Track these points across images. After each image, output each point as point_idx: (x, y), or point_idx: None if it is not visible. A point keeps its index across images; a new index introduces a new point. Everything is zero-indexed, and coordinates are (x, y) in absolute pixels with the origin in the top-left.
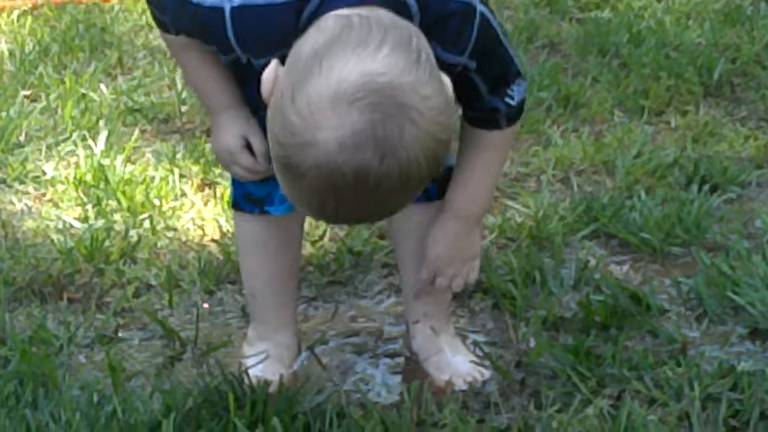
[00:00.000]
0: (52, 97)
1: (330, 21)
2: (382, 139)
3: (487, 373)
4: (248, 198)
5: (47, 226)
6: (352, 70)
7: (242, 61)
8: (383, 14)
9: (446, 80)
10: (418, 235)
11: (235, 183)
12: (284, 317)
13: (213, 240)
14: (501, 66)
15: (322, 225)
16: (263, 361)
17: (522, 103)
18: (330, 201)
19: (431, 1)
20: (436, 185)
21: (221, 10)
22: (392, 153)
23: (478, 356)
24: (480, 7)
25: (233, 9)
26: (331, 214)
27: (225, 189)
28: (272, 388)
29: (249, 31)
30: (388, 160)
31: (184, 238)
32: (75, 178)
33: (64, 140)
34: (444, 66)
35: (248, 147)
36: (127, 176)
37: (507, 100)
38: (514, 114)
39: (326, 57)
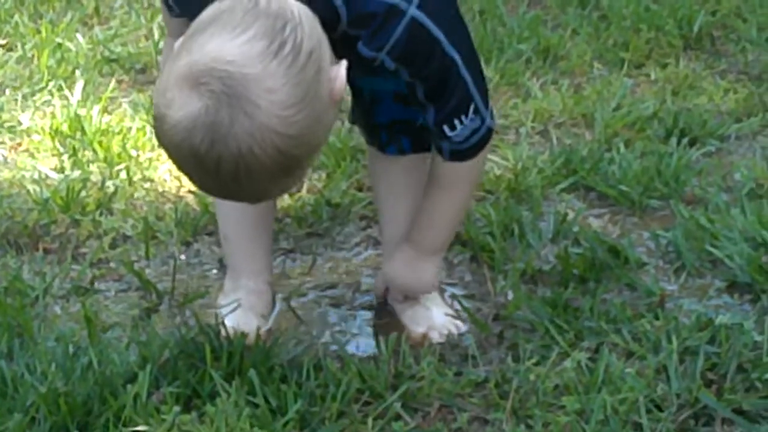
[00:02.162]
0: (27, 46)
1: None
2: (212, 126)
3: (464, 326)
4: None
5: (23, 176)
6: (207, 53)
7: None
8: (279, 2)
9: (335, 74)
10: (396, 186)
11: None
12: (257, 263)
13: (190, 191)
14: (442, 79)
15: None
16: (236, 309)
17: (473, 144)
18: (190, 174)
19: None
20: (410, 138)
21: None
22: (221, 141)
23: (455, 309)
24: (413, 11)
25: None
26: (200, 186)
27: None
28: (249, 340)
29: None
30: (218, 148)
31: (160, 189)
32: (51, 128)
33: (40, 90)
34: (364, 60)
35: None
36: (103, 127)
37: (445, 127)
38: (458, 152)
39: (197, 33)
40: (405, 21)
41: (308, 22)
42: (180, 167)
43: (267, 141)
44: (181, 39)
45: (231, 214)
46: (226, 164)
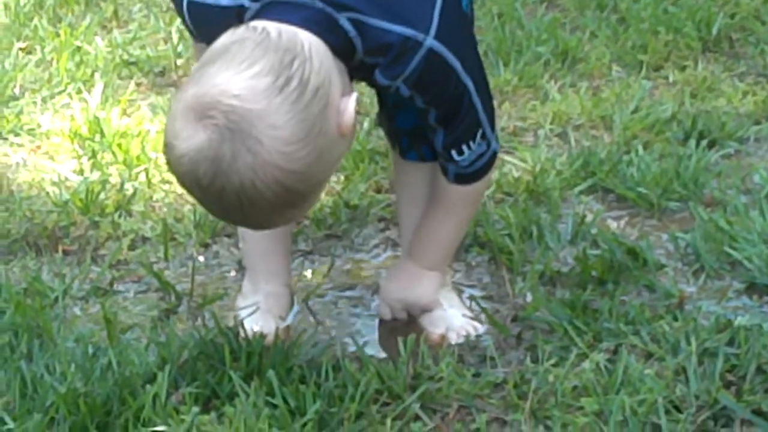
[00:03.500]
0: (47, 49)
1: (241, 29)
2: (215, 159)
3: (481, 328)
4: None
5: (42, 178)
6: (214, 86)
7: None
8: (290, 35)
9: (344, 107)
10: (416, 192)
11: None
12: (276, 266)
13: None
14: (455, 105)
15: None
16: (255, 312)
17: (478, 168)
18: (198, 198)
19: (370, 30)
20: (430, 147)
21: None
22: (223, 175)
23: (473, 311)
24: (430, 42)
25: (188, 2)
26: (208, 211)
27: None
28: (268, 341)
29: (200, 23)
30: (220, 181)
31: (179, 191)
32: (70, 130)
33: (59, 93)
34: (380, 86)
35: None
36: (122, 129)
37: (452, 152)
38: (463, 176)
39: (208, 65)
40: (422, 52)
41: (318, 55)
42: (188, 193)
43: (269, 176)
44: (194, 67)
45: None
46: (229, 196)
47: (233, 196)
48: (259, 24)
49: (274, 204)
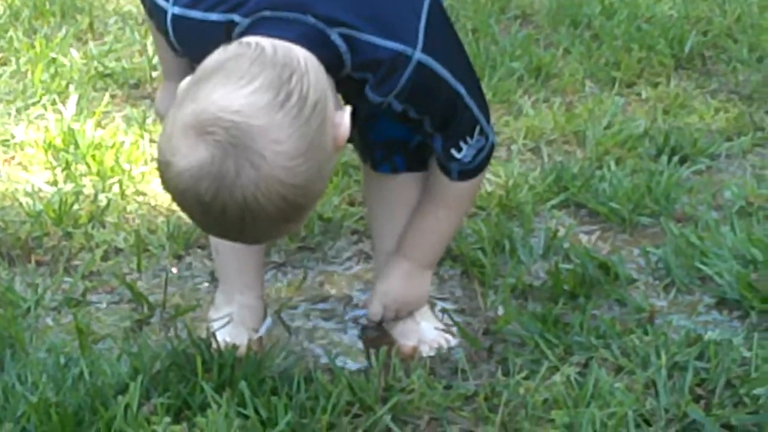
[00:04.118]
0: (22, 61)
1: (234, 45)
2: (218, 175)
3: (453, 340)
4: None
5: (16, 189)
6: (213, 102)
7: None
8: (285, 51)
9: (339, 121)
10: (389, 204)
11: None
12: (249, 278)
13: None
14: (449, 111)
15: None
16: (228, 324)
17: (479, 162)
18: (194, 218)
19: (360, 45)
20: (405, 157)
21: (165, 12)
22: (226, 191)
23: (445, 323)
24: (418, 56)
25: (174, 15)
26: (203, 229)
27: None
28: (240, 352)
29: (185, 37)
30: (222, 197)
31: (153, 203)
32: (44, 141)
33: (34, 104)
34: (370, 103)
35: None
36: (96, 141)
37: (452, 151)
38: (466, 172)
39: (203, 81)
40: (411, 66)
41: (314, 71)
42: (184, 210)
43: (272, 191)
44: (184, 84)
45: None
46: (231, 212)
47: (235, 211)
48: (251, 40)
49: (274, 218)
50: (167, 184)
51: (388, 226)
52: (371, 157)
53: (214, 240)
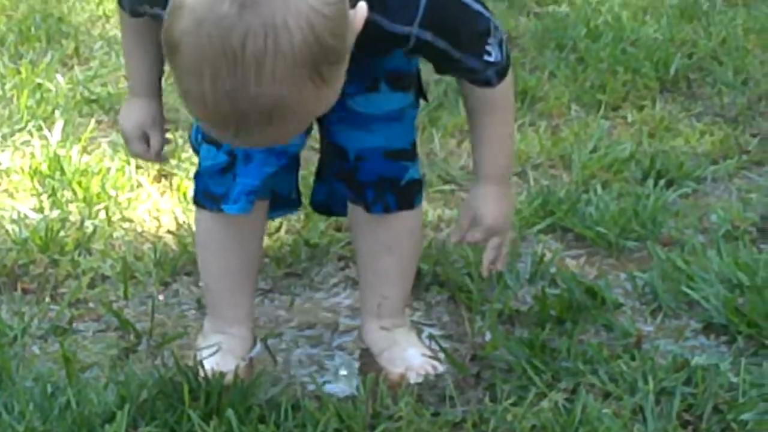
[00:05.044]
0: (7, 86)
1: None
2: None
3: (441, 367)
4: (207, 194)
5: (1, 216)
6: None
7: None
8: None
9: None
10: (381, 243)
11: (197, 179)
12: (240, 312)
13: (169, 231)
14: (467, 28)
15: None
16: (216, 352)
17: (506, 56)
18: (206, 77)
19: None
20: (396, 196)
21: None
22: (252, 8)
23: (432, 350)
24: None
25: None
26: (212, 99)
27: (181, 180)
28: (227, 380)
29: None
30: (248, 17)
31: (139, 229)
32: (30, 168)
33: (20, 130)
34: (395, 38)
35: (146, 136)
36: (82, 167)
37: (485, 57)
38: (502, 69)
39: None
40: None
41: None
42: (193, 70)
43: (302, 15)
44: None
45: (215, 266)
46: (254, 40)
47: (259, 39)
48: None
49: (298, 60)
50: (178, 36)
51: (379, 265)
52: (363, 199)
53: (205, 276)
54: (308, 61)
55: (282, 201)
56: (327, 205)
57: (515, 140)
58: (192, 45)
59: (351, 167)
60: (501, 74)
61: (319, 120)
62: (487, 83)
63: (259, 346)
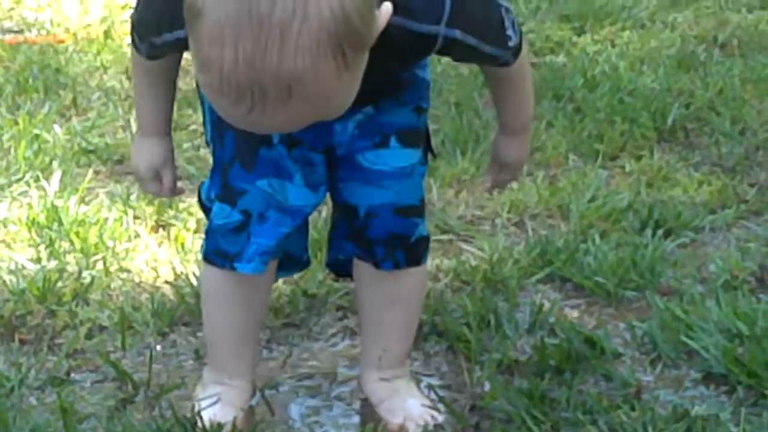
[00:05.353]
0: (5, 137)
1: None
2: None
3: (440, 417)
4: (219, 253)
5: None
6: None
7: None
8: None
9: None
10: (387, 298)
11: (208, 237)
12: (241, 364)
13: (167, 282)
14: (490, 20)
15: None
16: (216, 403)
17: (520, 34)
18: (227, 42)
19: None
20: (405, 253)
21: None
22: None
23: (432, 400)
24: None
25: None
26: (231, 67)
27: (179, 231)
28: (225, 431)
29: None
30: None
31: (137, 280)
32: (28, 218)
33: (17, 181)
34: (422, 40)
35: (159, 174)
36: (80, 217)
37: (508, 44)
38: (518, 48)
39: None
40: None
41: None
42: (216, 37)
43: None
44: None
45: (220, 323)
46: (283, 5)
47: (288, 1)
48: None
49: (324, 33)
50: (201, 13)
51: (381, 327)
52: (373, 257)
53: (208, 332)
54: (333, 38)
55: (293, 261)
56: (344, 265)
57: (532, 94)
58: (216, 7)
59: (361, 225)
60: (517, 53)
61: (330, 182)
62: (506, 64)
63: (257, 396)
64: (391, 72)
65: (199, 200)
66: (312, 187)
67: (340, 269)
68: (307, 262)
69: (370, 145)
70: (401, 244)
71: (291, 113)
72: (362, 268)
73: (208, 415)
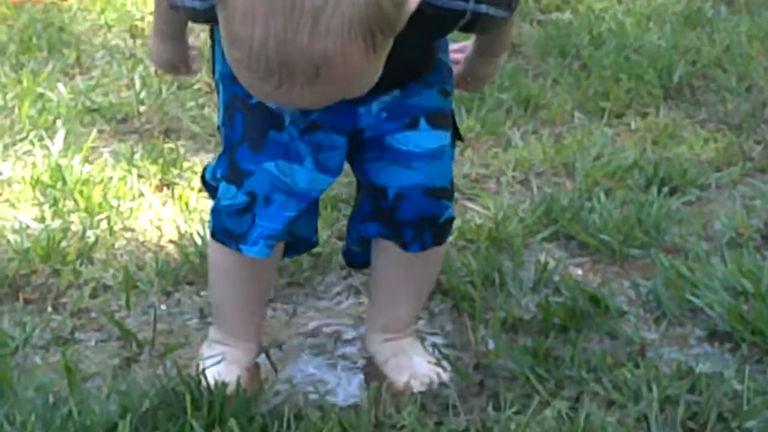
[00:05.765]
0: (9, 96)
1: None
2: None
3: (445, 375)
4: (225, 232)
5: (3, 226)
6: None
7: None
8: None
9: None
10: (404, 282)
11: (214, 216)
12: (248, 332)
13: (171, 241)
14: None
15: None
16: (220, 362)
17: None
18: (258, 21)
19: None
20: (433, 234)
21: None
22: None
23: (436, 358)
24: None
25: None
26: (260, 45)
27: (183, 190)
28: (230, 390)
29: None
30: None
31: (141, 239)
32: (32, 178)
33: (21, 140)
34: (450, 15)
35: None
36: (84, 176)
37: (513, 3)
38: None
39: None
40: None
41: None
42: (246, 17)
43: None
44: None
45: (227, 295)
46: None
47: None
48: None
49: (356, 17)
50: None
51: (391, 296)
52: (401, 238)
53: (216, 301)
54: (365, 22)
55: (302, 242)
56: (359, 256)
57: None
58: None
59: (389, 206)
60: (515, 7)
61: (357, 162)
62: (504, 22)
63: (261, 356)
64: (415, 49)
65: (203, 180)
66: (324, 170)
67: (355, 260)
68: (315, 243)
69: (401, 127)
70: (430, 227)
71: (317, 92)
72: (385, 247)
73: (213, 374)
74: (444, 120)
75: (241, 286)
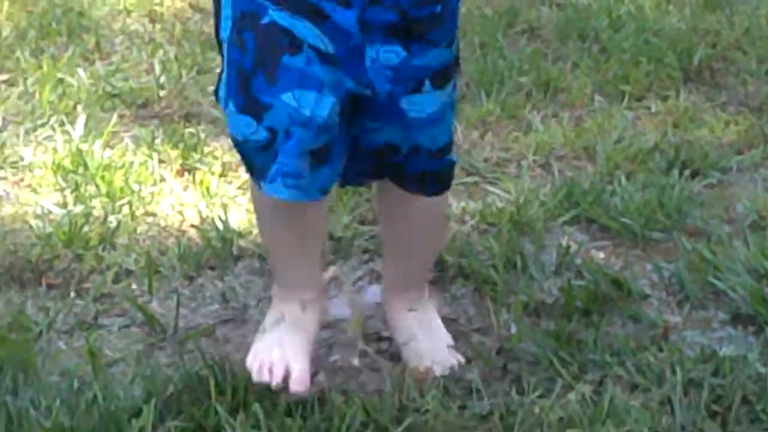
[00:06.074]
0: (29, 81)
1: None
2: None
3: (462, 358)
4: (250, 167)
5: (25, 211)
6: None
7: None
8: None
9: None
10: (410, 227)
11: (240, 149)
12: (307, 277)
13: (192, 225)
14: None
15: None
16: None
17: None
18: None
19: None
20: (438, 183)
21: None
22: None
23: (458, 343)
24: None
25: None
26: None
27: (204, 174)
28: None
29: None
30: None
31: (163, 224)
32: (53, 163)
33: (42, 125)
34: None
35: None
36: (105, 161)
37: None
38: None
39: None
40: None
41: None
42: None
43: None
44: None
45: (273, 237)
46: None
47: None
48: None
49: None
50: None
51: (403, 245)
52: (404, 187)
53: (267, 244)
54: None
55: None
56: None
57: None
58: None
59: (400, 161)
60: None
61: (359, 128)
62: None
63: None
64: None
65: (216, 96)
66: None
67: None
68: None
69: (408, 90)
70: (434, 177)
71: None
72: (386, 191)
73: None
74: (448, 73)
75: (289, 222)
